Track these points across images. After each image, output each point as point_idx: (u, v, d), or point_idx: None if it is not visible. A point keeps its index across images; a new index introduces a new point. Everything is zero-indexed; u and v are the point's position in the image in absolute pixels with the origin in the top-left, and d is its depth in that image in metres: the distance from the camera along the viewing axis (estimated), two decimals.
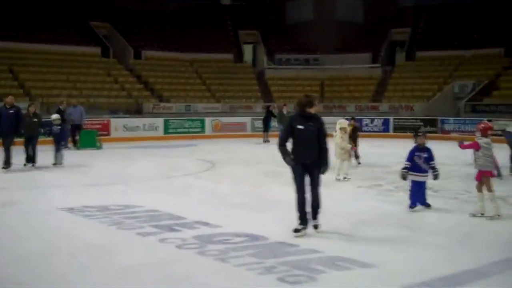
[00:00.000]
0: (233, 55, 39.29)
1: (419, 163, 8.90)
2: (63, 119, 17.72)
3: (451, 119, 28.24)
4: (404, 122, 29.25)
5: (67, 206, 9.19)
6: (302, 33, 40.86)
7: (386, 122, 30.02)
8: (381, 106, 32.90)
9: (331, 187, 11.38)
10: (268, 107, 27.65)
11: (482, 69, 32.90)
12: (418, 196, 8.99)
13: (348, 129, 13.16)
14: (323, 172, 7.27)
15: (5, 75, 28.72)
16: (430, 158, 8.93)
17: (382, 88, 35.54)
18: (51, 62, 31.16)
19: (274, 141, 7.87)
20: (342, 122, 12.90)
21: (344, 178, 12.34)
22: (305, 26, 40.89)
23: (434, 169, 8.90)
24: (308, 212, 7.24)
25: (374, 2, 41.19)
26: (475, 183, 8.58)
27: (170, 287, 5.45)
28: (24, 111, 15.07)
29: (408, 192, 9.11)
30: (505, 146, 13.72)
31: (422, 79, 34.61)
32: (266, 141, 24.34)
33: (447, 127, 27.95)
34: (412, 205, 8.94)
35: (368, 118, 30.36)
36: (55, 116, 16.33)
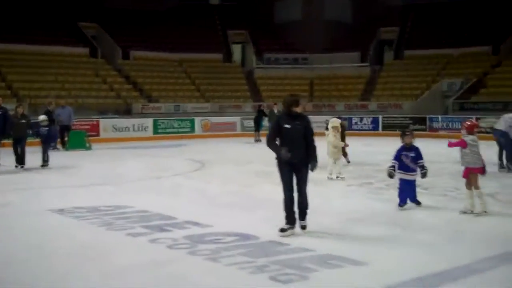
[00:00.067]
0: (222, 55, 39.29)
1: (406, 162, 8.90)
2: (51, 120, 17.63)
3: (440, 117, 28.38)
4: (393, 120, 29.38)
5: (57, 207, 9.14)
6: (291, 32, 40.94)
7: (375, 121, 30.14)
8: (370, 104, 33.02)
9: (322, 186, 11.42)
10: (259, 106, 27.67)
11: (470, 67, 33.10)
12: (407, 193, 9.00)
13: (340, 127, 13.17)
14: (312, 169, 7.25)
15: None
16: (417, 157, 8.91)
17: (371, 87, 35.66)
18: (39, 62, 31.01)
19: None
20: (334, 121, 12.93)
21: (337, 177, 12.33)
22: (293, 25, 40.97)
23: (422, 167, 8.91)
24: (295, 211, 7.23)
25: (363, 2, 41.34)
26: (464, 180, 8.62)
27: (161, 287, 5.43)
28: (12, 112, 14.99)
29: (398, 190, 9.14)
30: (494, 144, 13.82)
31: (411, 78, 34.77)
32: (257, 140, 24.36)
33: (435, 125, 28.10)
34: (401, 203, 8.94)
35: (357, 117, 30.47)
36: (42, 117, 16.24)
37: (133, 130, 26.95)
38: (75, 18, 36.48)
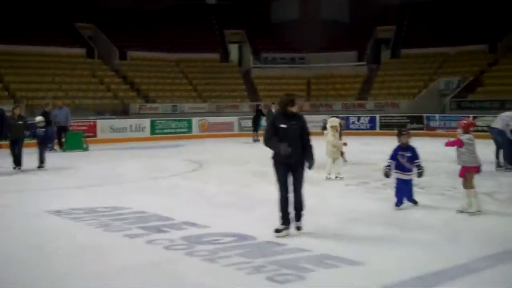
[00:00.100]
0: (219, 55, 39.27)
1: (403, 162, 8.89)
2: (48, 121, 17.61)
3: (437, 115, 28.41)
4: (390, 119, 29.38)
5: (54, 208, 9.13)
6: (288, 32, 40.96)
7: (372, 120, 30.15)
8: (367, 104, 33.03)
9: (320, 186, 11.43)
10: (258, 106, 27.65)
11: (467, 66, 33.13)
12: (404, 193, 9.00)
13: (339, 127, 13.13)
14: (310, 167, 7.25)
15: None
16: (414, 157, 8.89)
17: (368, 86, 35.69)
18: (36, 63, 30.95)
19: None
20: (333, 121, 12.91)
21: (337, 177, 12.30)
22: (290, 25, 40.99)
23: (418, 167, 8.90)
24: (290, 212, 7.21)
25: (359, 1, 41.45)
26: (461, 179, 8.62)
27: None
28: (9, 114, 14.96)
29: (395, 190, 9.13)
30: (491, 142, 13.84)
31: (408, 77, 34.79)
32: (256, 140, 24.31)
33: (433, 123, 28.11)
34: (398, 203, 8.92)
35: (355, 116, 30.47)
36: (39, 118, 16.23)
37: (131, 130, 26.91)
38: (71, 19, 36.42)
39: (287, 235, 7.08)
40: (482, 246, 6.66)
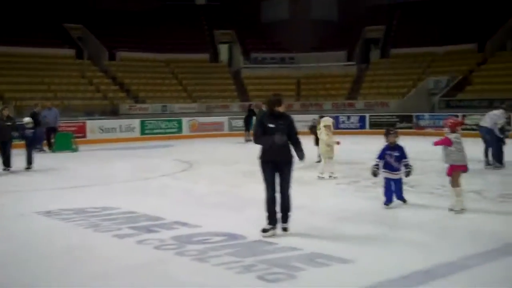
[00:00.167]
0: (209, 55, 39.20)
1: (390, 161, 8.91)
2: (36, 122, 17.51)
3: (426, 114, 28.54)
4: (380, 118, 29.47)
5: (43, 209, 9.09)
6: (278, 32, 41.00)
7: (362, 119, 30.24)
8: (357, 103, 33.11)
9: (312, 185, 11.44)
10: (249, 106, 27.60)
11: (456, 65, 33.29)
12: (393, 192, 9.01)
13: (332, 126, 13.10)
14: (301, 158, 7.24)
15: None
16: (402, 156, 8.91)
17: (358, 86, 35.76)
18: (25, 64, 30.72)
19: None
20: (326, 120, 12.86)
21: (330, 176, 12.30)
22: (280, 25, 41.04)
23: (406, 166, 8.92)
24: (277, 212, 7.20)
25: (349, 1, 41.49)
26: (449, 178, 8.64)
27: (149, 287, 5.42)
28: None
29: (383, 189, 9.14)
30: (479, 141, 13.90)
31: (397, 76, 34.91)
32: (248, 140, 24.23)
33: (422, 123, 28.23)
34: (387, 202, 8.94)
35: (345, 116, 30.54)
36: (27, 119, 16.11)
37: (120, 131, 26.79)
38: (60, 20, 36.23)
39: (273, 235, 7.07)
40: (471, 244, 6.69)
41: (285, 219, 7.25)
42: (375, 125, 28.76)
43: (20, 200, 10.43)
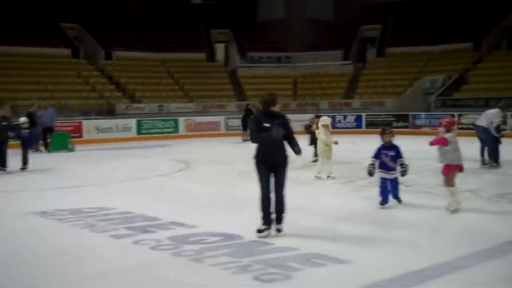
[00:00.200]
0: (205, 54, 39.20)
1: (386, 161, 8.92)
2: (32, 123, 17.47)
3: (422, 114, 28.60)
4: (376, 118, 29.52)
5: (39, 210, 9.07)
6: (274, 31, 41.01)
7: (358, 118, 30.30)
8: (353, 102, 33.15)
9: (309, 184, 11.44)
10: (247, 105, 27.60)
11: (452, 64, 33.34)
12: (388, 192, 9.02)
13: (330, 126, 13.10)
14: (297, 153, 7.23)
15: None
16: (397, 156, 8.92)
17: (354, 85, 35.78)
18: (21, 64, 30.64)
19: None
20: (325, 119, 12.84)
21: (328, 176, 12.28)
22: (276, 24, 41.07)
23: (402, 165, 8.91)
24: (272, 212, 7.19)
25: (344, 0, 41.47)
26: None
27: None
28: None
29: (379, 189, 9.15)
30: (476, 140, 13.93)
31: (393, 75, 34.96)
32: (246, 140, 24.24)
33: (418, 122, 28.29)
34: (383, 202, 8.93)
35: (341, 115, 30.57)
36: (23, 119, 16.07)
37: (117, 130, 26.78)
38: (56, 19, 36.17)
39: (268, 235, 7.07)
40: (467, 244, 6.71)
41: (279, 220, 7.24)
42: (372, 125, 28.80)
43: (15, 201, 10.41)
